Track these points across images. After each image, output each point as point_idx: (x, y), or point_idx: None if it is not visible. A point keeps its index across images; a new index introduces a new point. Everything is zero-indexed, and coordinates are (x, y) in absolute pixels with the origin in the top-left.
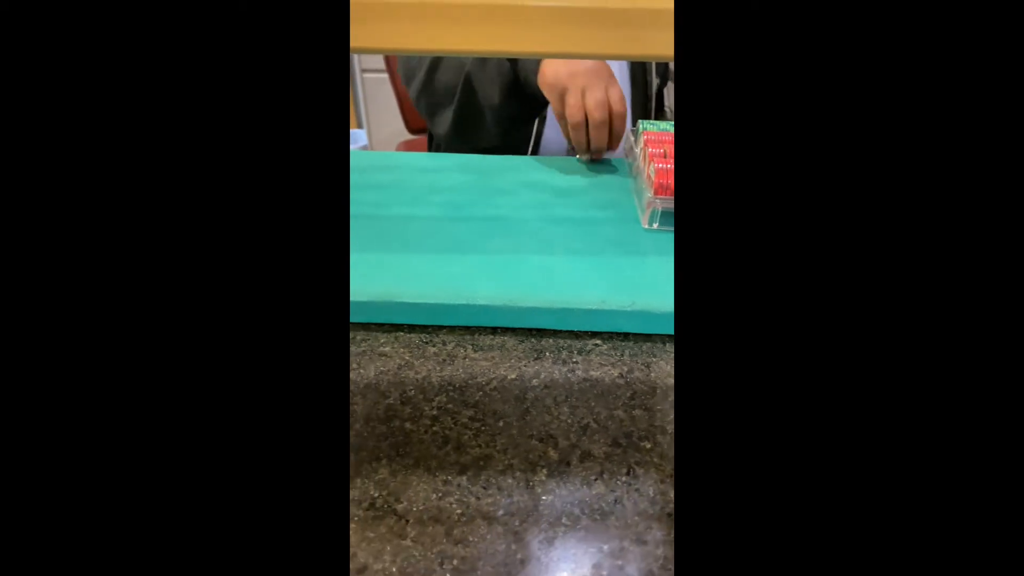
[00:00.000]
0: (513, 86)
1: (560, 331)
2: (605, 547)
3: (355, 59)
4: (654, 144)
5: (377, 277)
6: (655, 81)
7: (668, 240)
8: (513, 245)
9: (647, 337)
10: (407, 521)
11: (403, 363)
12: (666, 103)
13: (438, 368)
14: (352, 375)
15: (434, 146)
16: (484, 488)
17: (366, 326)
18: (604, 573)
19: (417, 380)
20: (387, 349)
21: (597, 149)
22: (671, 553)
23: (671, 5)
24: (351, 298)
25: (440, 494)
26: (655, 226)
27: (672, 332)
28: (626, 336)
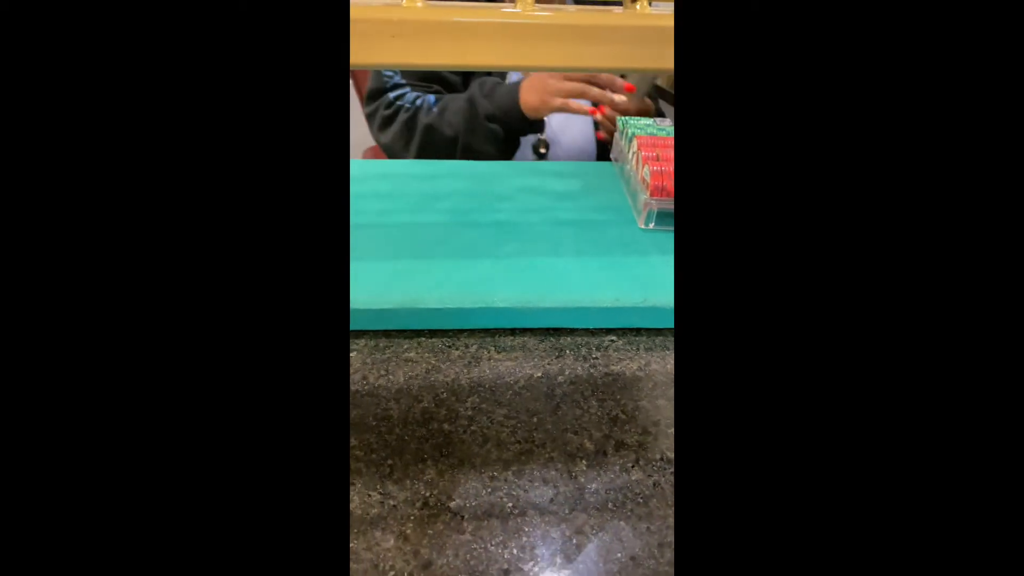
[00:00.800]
0: (506, 138)
1: (576, 329)
2: (651, 527)
3: None
4: (647, 147)
5: (396, 284)
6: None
7: (666, 239)
8: (524, 249)
9: (658, 331)
10: (462, 517)
11: (430, 367)
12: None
13: (465, 370)
14: (382, 380)
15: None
16: (530, 481)
17: (387, 333)
18: (656, 551)
19: (447, 383)
20: (412, 355)
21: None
22: None
23: (669, 23)
24: (372, 306)
25: (489, 489)
26: (651, 226)
27: None
28: (639, 331)
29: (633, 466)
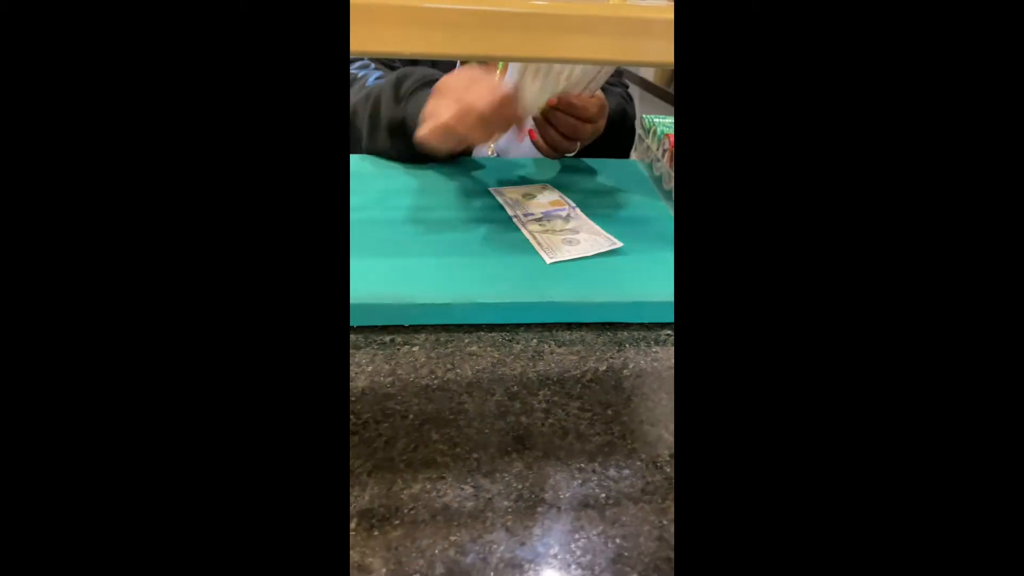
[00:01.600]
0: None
1: (631, 324)
2: None
3: None
4: None
5: (452, 280)
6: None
7: None
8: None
9: None
10: (559, 508)
11: (495, 361)
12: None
13: (531, 364)
14: (451, 375)
15: None
16: (618, 472)
17: (446, 328)
18: None
19: (515, 376)
20: (474, 348)
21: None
22: None
23: (670, 15)
24: (431, 300)
25: (580, 481)
26: None
27: None
28: None
29: None
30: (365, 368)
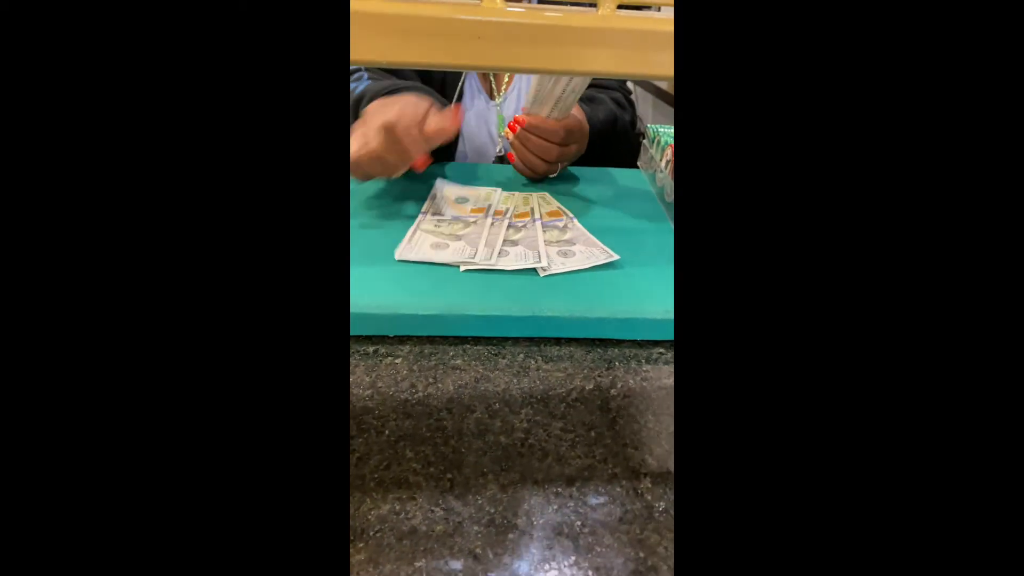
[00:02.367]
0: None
1: (623, 340)
2: None
3: None
4: None
5: (440, 290)
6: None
7: None
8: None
9: None
10: (531, 536)
11: (479, 376)
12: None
13: (515, 381)
14: (432, 389)
15: None
16: (596, 498)
17: (431, 339)
18: None
19: (498, 393)
20: (459, 362)
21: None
22: None
23: (646, 25)
24: (419, 312)
25: (556, 507)
26: None
27: None
28: None
29: None
30: None
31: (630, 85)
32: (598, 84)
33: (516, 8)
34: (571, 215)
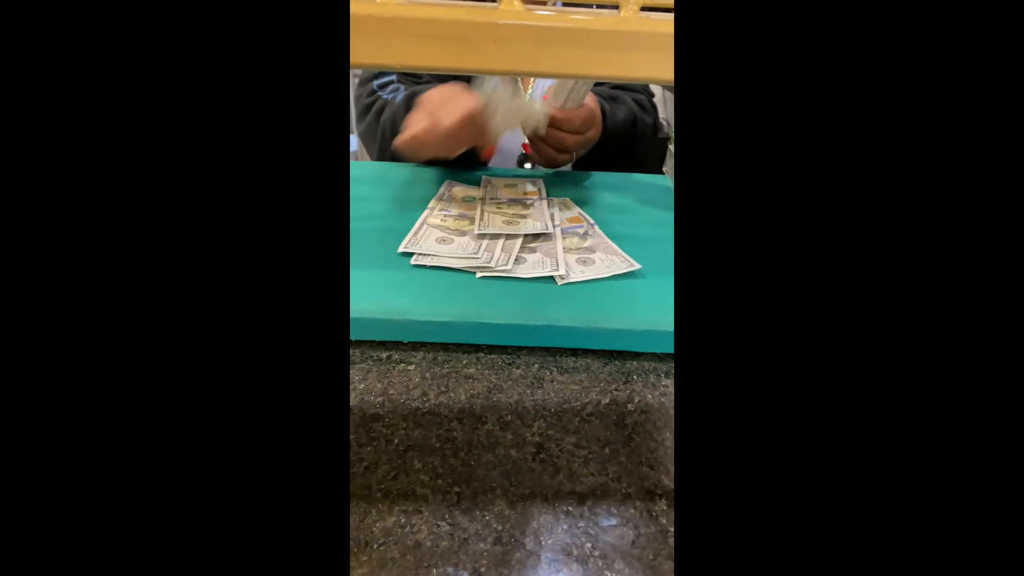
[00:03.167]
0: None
1: (642, 353)
2: None
3: None
4: None
5: (455, 297)
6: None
7: None
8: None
9: None
10: (538, 556)
11: (491, 386)
12: (661, 115)
13: (528, 392)
14: (443, 398)
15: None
16: (608, 519)
17: (445, 347)
18: None
19: (510, 404)
20: (472, 370)
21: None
22: None
23: (669, 29)
24: (433, 318)
25: (566, 526)
26: None
27: None
28: None
29: None
30: (357, 386)
31: (654, 88)
32: (620, 85)
33: (534, 11)
34: (592, 222)
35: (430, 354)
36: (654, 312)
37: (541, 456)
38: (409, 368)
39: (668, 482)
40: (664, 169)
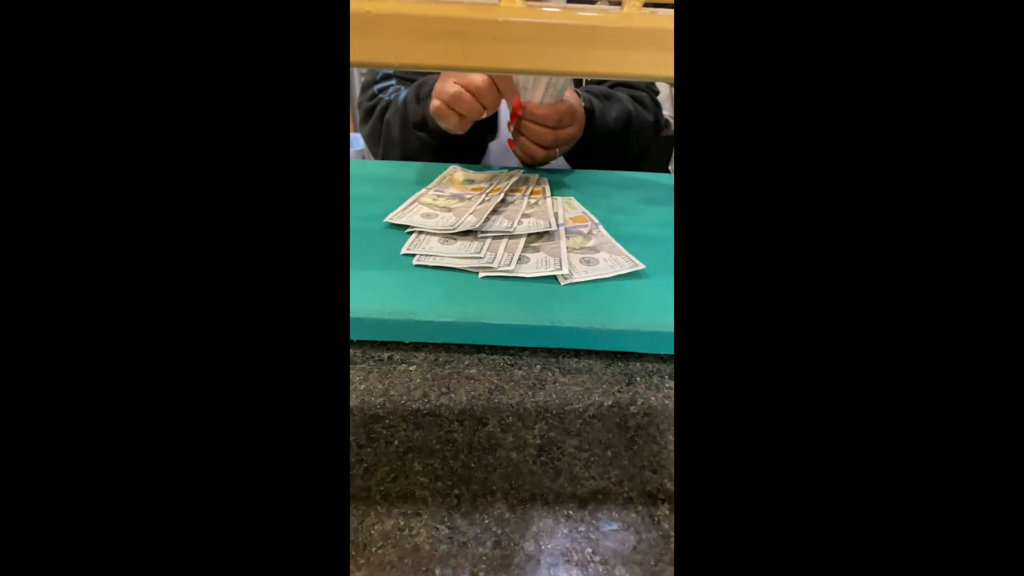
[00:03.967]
0: (444, 147)
1: (646, 355)
2: None
3: None
4: None
5: (457, 297)
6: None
7: None
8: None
9: None
10: (538, 561)
11: (493, 387)
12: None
13: (530, 393)
14: (444, 399)
15: None
16: (609, 524)
17: (447, 347)
18: None
19: (512, 406)
20: (473, 372)
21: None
22: None
23: (670, 25)
24: (434, 319)
25: (566, 530)
26: None
27: None
28: None
29: None
30: (358, 387)
31: (661, 86)
32: (620, 82)
33: (535, 8)
34: (596, 221)
35: (432, 355)
36: (658, 313)
37: (542, 459)
38: (410, 369)
39: (671, 486)
40: (670, 168)
